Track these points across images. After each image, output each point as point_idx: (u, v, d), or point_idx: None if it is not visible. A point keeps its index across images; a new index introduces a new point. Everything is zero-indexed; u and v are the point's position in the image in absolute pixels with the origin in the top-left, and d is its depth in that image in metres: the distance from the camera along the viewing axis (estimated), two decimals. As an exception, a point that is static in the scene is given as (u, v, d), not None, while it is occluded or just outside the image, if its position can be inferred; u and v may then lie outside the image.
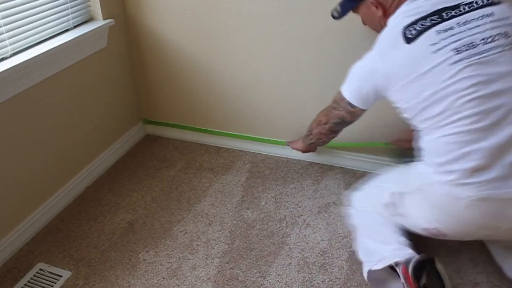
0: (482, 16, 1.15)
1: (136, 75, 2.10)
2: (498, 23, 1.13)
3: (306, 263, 1.51)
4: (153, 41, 1.96)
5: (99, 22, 1.77)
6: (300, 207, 1.76)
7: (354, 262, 1.50)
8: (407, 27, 1.17)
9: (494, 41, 1.11)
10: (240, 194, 1.83)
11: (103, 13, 1.79)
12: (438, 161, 1.15)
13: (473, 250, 1.51)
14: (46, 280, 1.45)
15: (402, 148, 1.67)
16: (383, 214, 1.36)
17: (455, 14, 1.16)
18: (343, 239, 1.60)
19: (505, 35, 1.12)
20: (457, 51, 1.11)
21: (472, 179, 1.09)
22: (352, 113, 1.38)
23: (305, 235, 1.62)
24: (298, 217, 1.70)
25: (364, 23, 1.44)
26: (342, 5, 1.42)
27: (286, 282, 1.44)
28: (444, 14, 1.16)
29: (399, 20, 1.21)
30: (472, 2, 1.17)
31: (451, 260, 1.49)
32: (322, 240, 1.60)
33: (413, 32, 1.16)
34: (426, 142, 1.20)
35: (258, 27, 1.76)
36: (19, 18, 1.46)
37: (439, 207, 1.18)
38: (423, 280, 1.18)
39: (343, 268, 1.49)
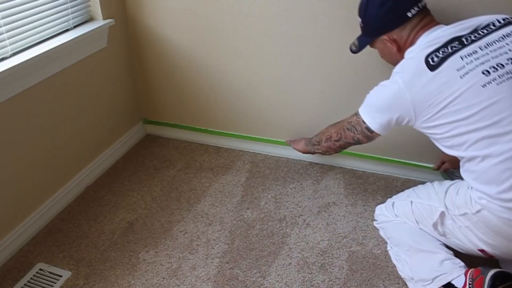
0: (503, 36, 1.16)
1: (136, 75, 2.09)
2: None
3: (306, 263, 1.51)
4: (153, 41, 1.96)
5: (99, 22, 1.77)
6: (300, 207, 1.76)
7: (354, 262, 1.50)
8: (428, 55, 1.18)
9: None
10: (240, 194, 1.83)
11: (103, 13, 1.78)
12: (495, 189, 1.12)
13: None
14: (46, 280, 1.45)
15: (450, 169, 1.68)
16: (427, 232, 1.36)
17: (475, 39, 1.17)
18: (343, 239, 1.60)
19: None
20: (487, 72, 1.12)
21: None
22: (369, 137, 1.39)
23: (305, 235, 1.62)
24: (298, 217, 1.70)
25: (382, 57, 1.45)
26: (359, 40, 1.45)
27: (286, 282, 1.44)
28: (463, 40, 1.18)
29: (418, 51, 1.22)
30: (488, 25, 1.19)
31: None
32: (322, 240, 1.60)
33: (435, 59, 1.16)
34: (475, 168, 1.17)
35: (258, 27, 1.76)
36: (19, 18, 1.46)
37: (495, 231, 1.17)
38: None
39: (343, 268, 1.49)
